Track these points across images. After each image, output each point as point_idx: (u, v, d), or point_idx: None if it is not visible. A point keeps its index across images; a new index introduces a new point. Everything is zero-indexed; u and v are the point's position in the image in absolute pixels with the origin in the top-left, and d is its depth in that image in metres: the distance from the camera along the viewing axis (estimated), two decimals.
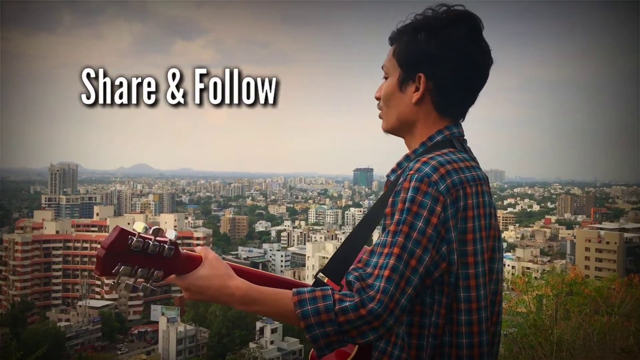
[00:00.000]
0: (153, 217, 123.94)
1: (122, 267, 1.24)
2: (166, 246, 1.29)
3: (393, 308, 1.25)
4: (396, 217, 1.32)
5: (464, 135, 1.53)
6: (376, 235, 1.51)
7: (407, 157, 1.53)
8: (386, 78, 1.57)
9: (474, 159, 1.48)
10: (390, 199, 1.37)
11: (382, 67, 1.58)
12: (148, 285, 1.30)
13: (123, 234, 1.24)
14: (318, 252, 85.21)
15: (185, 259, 1.36)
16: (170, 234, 1.31)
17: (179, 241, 1.35)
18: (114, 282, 1.28)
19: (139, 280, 1.29)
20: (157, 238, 1.28)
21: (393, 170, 1.54)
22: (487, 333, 1.38)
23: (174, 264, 1.34)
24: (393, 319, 1.25)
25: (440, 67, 1.46)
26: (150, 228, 1.28)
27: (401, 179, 1.38)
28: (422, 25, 1.48)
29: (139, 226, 1.26)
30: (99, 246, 1.23)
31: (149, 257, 1.28)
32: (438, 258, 1.32)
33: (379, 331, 1.25)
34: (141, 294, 1.34)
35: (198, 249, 1.44)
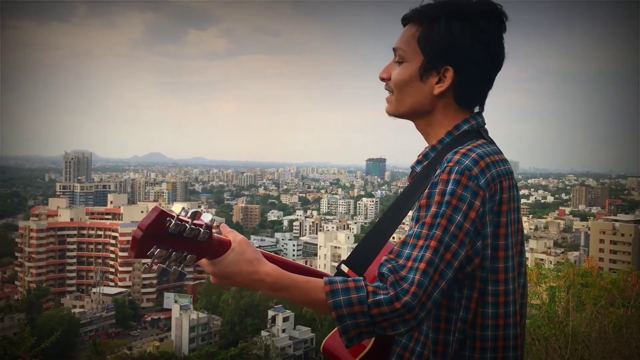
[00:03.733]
0: (166, 206, 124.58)
1: (158, 249, 1.22)
2: (201, 230, 1.26)
3: (426, 301, 1.23)
4: (433, 209, 1.28)
5: (485, 124, 1.50)
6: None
7: (433, 148, 1.47)
8: (399, 62, 1.48)
9: (501, 151, 1.44)
10: (426, 191, 1.33)
11: (395, 49, 1.49)
12: (179, 269, 1.27)
13: (162, 216, 1.21)
14: (330, 241, 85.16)
15: (217, 243, 1.34)
16: (206, 217, 1.29)
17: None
18: (147, 264, 1.26)
19: (172, 263, 1.26)
20: (194, 221, 1.26)
21: (419, 162, 1.49)
22: (515, 326, 1.37)
23: (206, 248, 1.31)
24: (425, 312, 1.24)
25: (470, 63, 1.40)
26: (187, 210, 1.26)
27: (439, 170, 1.33)
28: (456, 13, 1.39)
29: (177, 208, 1.25)
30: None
31: (184, 240, 1.25)
32: (472, 253, 1.31)
33: (411, 324, 1.24)
34: (171, 277, 1.31)
35: (224, 230, 1.41)
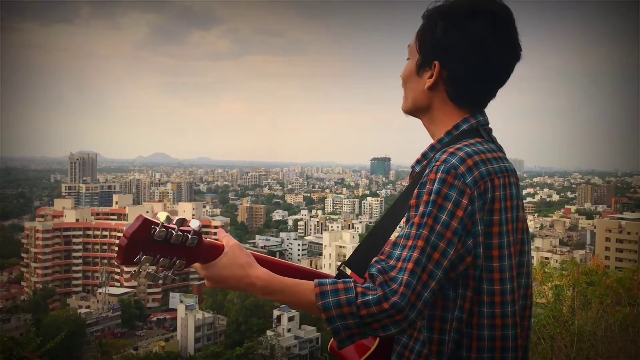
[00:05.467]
0: (171, 206, 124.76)
1: (144, 256, 1.24)
2: (189, 236, 1.29)
3: (415, 302, 1.23)
4: (421, 209, 1.29)
5: (489, 124, 1.49)
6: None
7: (432, 147, 1.49)
8: (408, 59, 1.55)
9: (501, 149, 1.44)
10: (415, 191, 1.33)
11: (408, 47, 1.55)
12: (169, 274, 1.30)
13: (146, 224, 1.24)
14: (335, 241, 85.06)
15: (208, 247, 1.36)
16: (194, 224, 1.30)
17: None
18: (134, 270, 1.28)
19: (160, 269, 1.29)
20: (181, 228, 1.28)
21: (418, 161, 1.50)
22: (514, 327, 1.35)
23: (197, 253, 1.33)
24: (415, 312, 1.24)
25: (454, 59, 1.42)
26: (173, 217, 1.28)
27: (427, 170, 1.34)
28: (445, 12, 1.43)
29: (162, 216, 1.25)
30: (121, 235, 1.22)
31: (172, 247, 1.28)
32: (463, 251, 1.30)
33: (401, 325, 1.24)
34: (161, 282, 1.32)
35: (220, 235, 1.44)
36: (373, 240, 1.48)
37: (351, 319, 1.24)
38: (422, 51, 1.47)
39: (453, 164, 1.31)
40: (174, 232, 1.26)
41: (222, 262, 1.37)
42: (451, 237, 1.27)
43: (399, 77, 1.58)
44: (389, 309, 1.21)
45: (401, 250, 1.27)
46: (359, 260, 1.46)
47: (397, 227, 1.49)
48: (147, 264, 1.26)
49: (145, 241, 1.24)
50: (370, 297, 1.23)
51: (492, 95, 1.48)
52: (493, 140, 1.47)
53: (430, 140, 1.53)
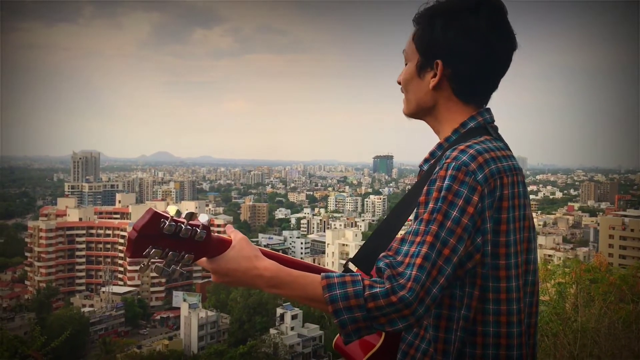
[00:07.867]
0: (174, 205, 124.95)
1: (153, 250, 1.24)
2: (198, 230, 1.29)
3: (424, 297, 1.21)
4: (430, 205, 1.28)
5: (494, 121, 1.49)
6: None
7: (440, 146, 1.48)
8: (405, 63, 1.54)
9: (508, 147, 1.43)
10: (425, 188, 1.33)
11: (403, 52, 1.55)
12: (177, 268, 1.30)
13: (155, 217, 1.24)
14: (337, 239, 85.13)
15: (216, 242, 1.36)
16: (203, 218, 1.31)
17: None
18: (143, 264, 1.28)
19: (169, 263, 1.29)
20: (190, 222, 1.27)
21: (426, 160, 1.50)
22: (519, 325, 1.34)
23: (205, 248, 1.33)
24: (424, 308, 1.22)
25: (457, 56, 1.41)
26: (183, 212, 1.28)
27: (437, 167, 1.34)
28: (441, 10, 1.43)
29: (171, 209, 1.26)
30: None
31: (181, 241, 1.28)
32: (472, 249, 1.30)
33: (409, 320, 1.22)
34: (169, 276, 1.32)
35: (228, 231, 1.44)
36: (379, 237, 1.45)
37: (358, 312, 1.23)
38: (421, 52, 1.47)
39: (464, 161, 1.30)
40: (183, 226, 1.26)
41: (229, 255, 1.36)
42: (461, 233, 1.26)
43: (396, 83, 1.56)
44: (396, 302, 1.20)
45: (409, 246, 1.26)
46: (365, 257, 1.44)
47: (404, 225, 1.47)
48: (156, 257, 1.26)
49: (154, 234, 1.24)
50: (378, 290, 1.22)
51: (495, 87, 1.49)
52: (500, 138, 1.47)
53: (435, 138, 1.52)
